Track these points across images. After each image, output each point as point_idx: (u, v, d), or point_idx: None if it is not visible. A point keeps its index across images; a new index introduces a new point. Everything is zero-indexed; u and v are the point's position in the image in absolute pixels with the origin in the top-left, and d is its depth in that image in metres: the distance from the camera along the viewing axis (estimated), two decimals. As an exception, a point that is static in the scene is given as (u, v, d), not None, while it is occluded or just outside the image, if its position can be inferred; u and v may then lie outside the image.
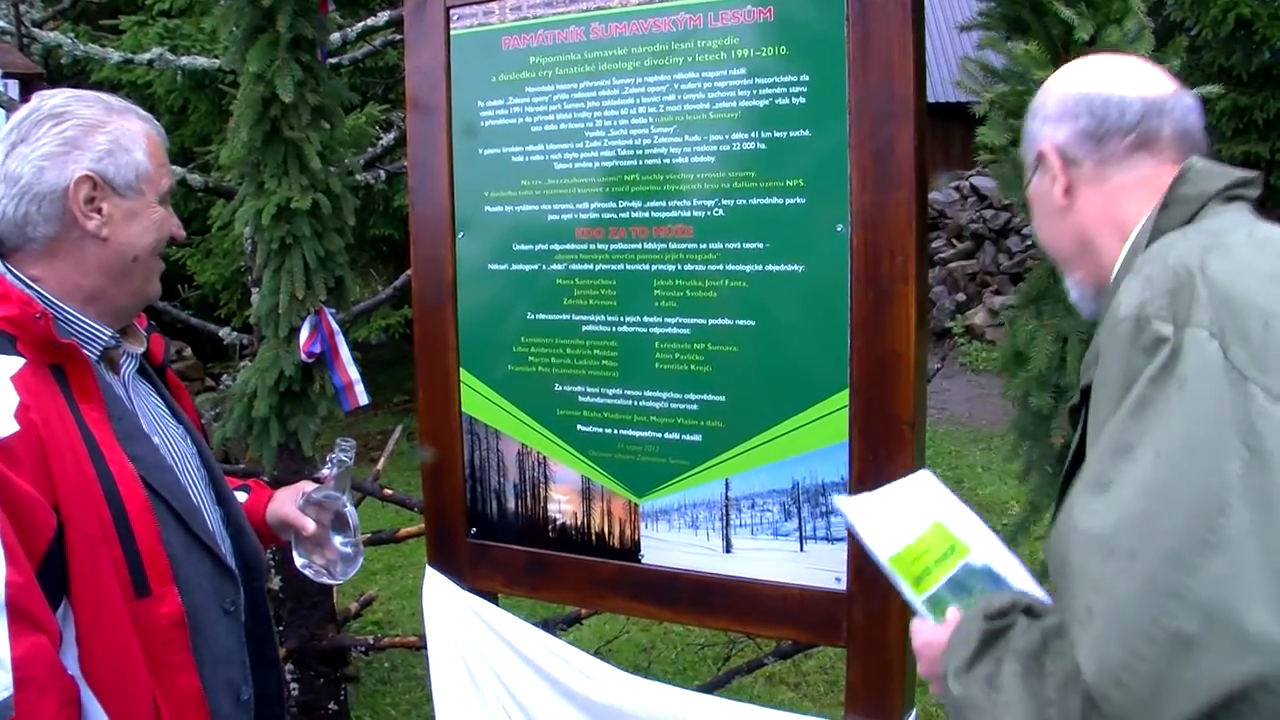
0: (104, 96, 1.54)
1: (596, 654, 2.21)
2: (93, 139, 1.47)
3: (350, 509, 1.79)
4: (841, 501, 1.39)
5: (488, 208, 2.16)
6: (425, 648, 2.32)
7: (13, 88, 3.55)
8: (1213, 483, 0.93)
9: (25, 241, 1.46)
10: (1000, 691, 1.06)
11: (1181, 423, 0.97)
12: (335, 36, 3.39)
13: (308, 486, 1.80)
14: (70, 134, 1.46)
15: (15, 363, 1.37)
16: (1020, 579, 1.33)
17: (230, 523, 1.67)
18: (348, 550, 1.80)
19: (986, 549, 1.38)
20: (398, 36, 3.67)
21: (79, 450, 1.39)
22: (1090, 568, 0.98)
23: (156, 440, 1.55)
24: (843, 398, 1.82)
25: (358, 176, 3.09)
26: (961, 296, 10.77)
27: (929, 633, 1.25)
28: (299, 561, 1.80)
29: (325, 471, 1.80)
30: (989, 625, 1.13)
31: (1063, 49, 1.82)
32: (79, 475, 1.38)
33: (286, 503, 1.78)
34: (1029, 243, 10.52)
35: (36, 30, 4.07)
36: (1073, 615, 0.99)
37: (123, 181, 1.49)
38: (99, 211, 1.47)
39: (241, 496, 1.79)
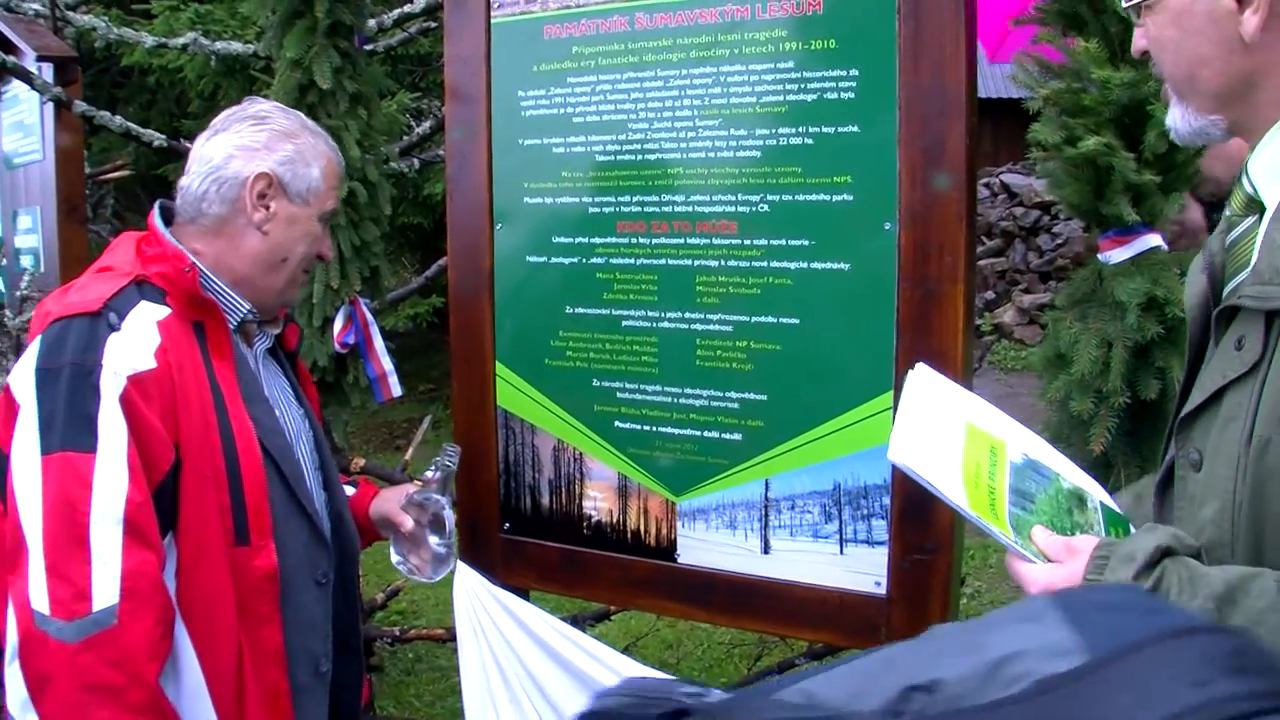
0: (304, 116, 1.72)
1: (625, 651, 2.18)
2: (282, 145, 1.64)
3: (448, 512, 1.87)
4: (895, 457, 1.14)
5: (527, 199, 2.13)
6: (451, 640, 2.31)
7: (47, 70, 3.54)
8: None
9: (198, 215, 1.63)
10: None
11: None
12: (371, 23, 3.37)
13: (411, 488, 1.90)
14: (264, 136, 1.64)
15: (163, 311, 1.53)
16: (1050, 457, 1.23)
17: (332, 509, 1.76)
18: (441, 551, 1.87)
19: (1013, 436, 1.24)
20: (433, 24, 3.64)
21: (205, 398, 1.51)
22: None
23: (277, 412, 1.66)
24: (887, 399, 1.79)
25: (392, 165, 3.07)
26: (990, 295, 10.67)
27: (1047, 576, 1.07)
28: (395, 558, 1.89)
29: (429, 474, 1.89)
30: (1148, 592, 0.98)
31: (1120, 47, 1.78)
32: (202, 420, 1.50)
33: (390, 500, 1.89)
34: (1059, 241, 10.41)
35: (70, 13, 4.06)
36: None
37: (295, 189, 1.64)
38: (266, 208, 1.62)
39: (349, 490, 1.89)
